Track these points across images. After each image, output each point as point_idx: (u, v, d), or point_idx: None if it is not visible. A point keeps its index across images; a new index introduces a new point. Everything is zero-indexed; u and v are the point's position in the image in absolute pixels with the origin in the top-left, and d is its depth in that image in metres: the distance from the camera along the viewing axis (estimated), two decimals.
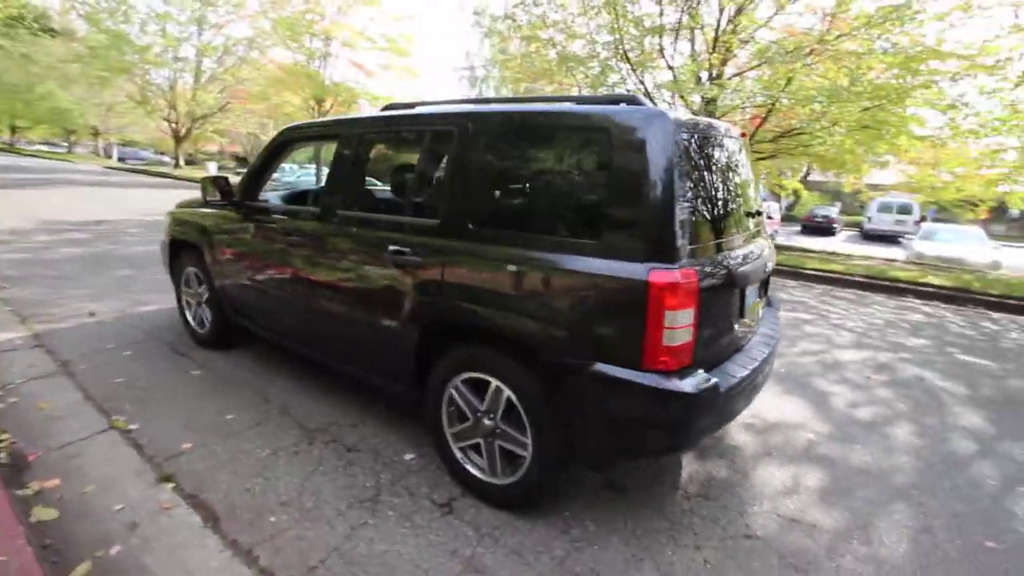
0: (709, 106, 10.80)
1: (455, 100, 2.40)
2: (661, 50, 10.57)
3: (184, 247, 3.77)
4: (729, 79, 11.30)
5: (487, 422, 2.15)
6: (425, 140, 2.35)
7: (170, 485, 2.25)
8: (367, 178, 2.76)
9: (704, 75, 10.96)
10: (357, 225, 2.52)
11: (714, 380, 1.78)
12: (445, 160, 2.18)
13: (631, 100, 1.93)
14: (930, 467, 2.74)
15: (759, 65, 11.31)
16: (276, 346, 3.61)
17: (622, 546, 2.03)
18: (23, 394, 2.96)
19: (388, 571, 1.85)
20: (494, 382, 2.07)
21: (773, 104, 10.45)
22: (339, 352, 2.71)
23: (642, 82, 11.07)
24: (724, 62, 10.91)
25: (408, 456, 2.56)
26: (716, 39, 10.64)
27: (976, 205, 10.55)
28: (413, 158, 2.56)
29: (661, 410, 1.72)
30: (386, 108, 2.68)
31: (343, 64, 23.00)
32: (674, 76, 10.36)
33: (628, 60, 10.71)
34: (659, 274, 1.66)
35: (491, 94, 36.49)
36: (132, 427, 2.68)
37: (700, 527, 2.16)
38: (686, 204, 1.74)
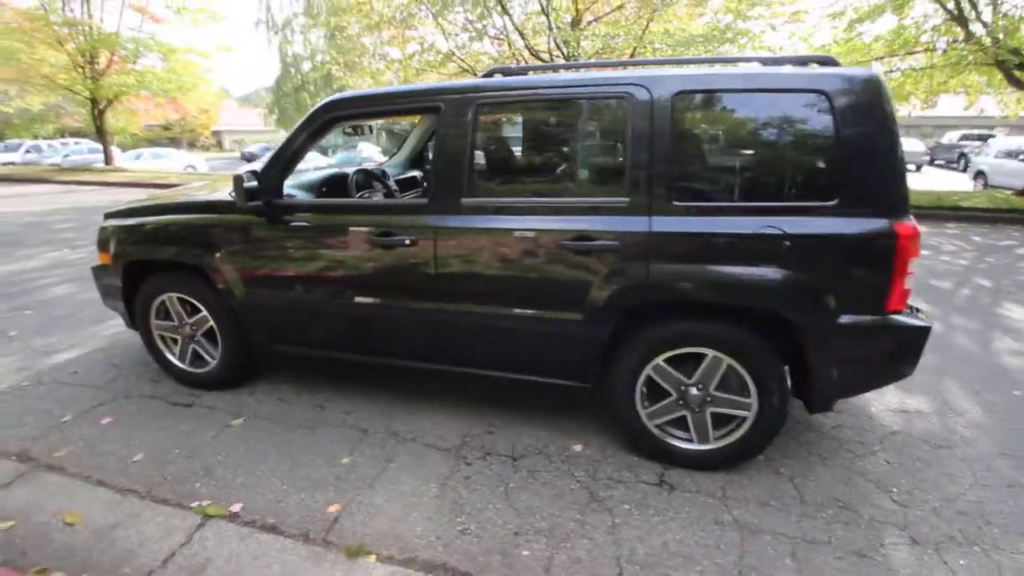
0: (569, 49, 11.15)
1: (592, 63, 2.18)
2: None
3: (156, 269, 2.87)
4: (588, 24, 11.81)
5: (696, 392, 2.17)
6: (584, 109, 2.10)
7: (371, 557, 1.85)
8: (491, 157, 2.37)
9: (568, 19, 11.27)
10: (496, 213, 2.20)
11: (919, 311, 2.05)
12: (627, 131, 2.00)
13: (825, 61, 1.98)
14: (940, 351, 3.50)
15: (609, 13, 12.03)
16: (313, 366, 3.06)
17: (826, 469, 2.28)
18: (12, 511, 2.08)
19: (686, 560, 1.83)
20: (711, 353, 2.09)
21: (634, 50, 11.24)
22: (482, 359, 2.41)
23: (516, 27, 10.96)
24: (587, 9, 11.32)
25: (577, 447, 2.46)
26: None
27: None
28: (558, 130, 2.26)
29: (906, 344, 1.95)
30: (488, 74, 2.30)
31: (116, 8, 18.16)
32: (549, 23, 10.46)
33: (501, 5, 10.49)
34: (903, 226, 1.83)
35: (299, 42, 32.28)
36: (235, 509, 2.09)
37: (858, 437, 2.52)
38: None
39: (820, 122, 1.88)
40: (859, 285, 1.90)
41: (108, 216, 3.04)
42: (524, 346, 2.31)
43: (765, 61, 2.13)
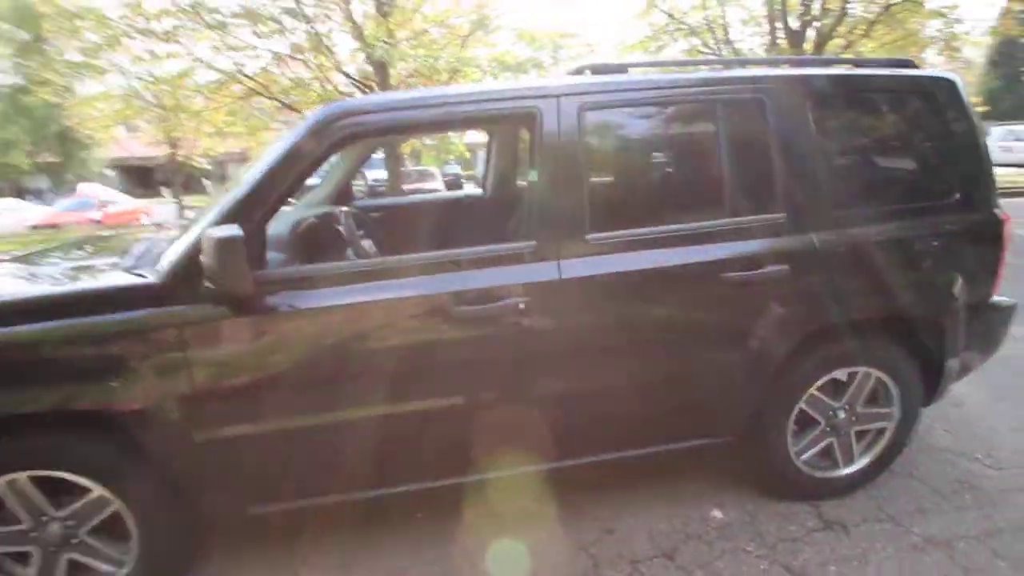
0: (395, 69, 10.54)
1: (685, 61, 1.83)
2: (349, 16, 9.68)
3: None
4: (398, 44, 11.31)
5: (843, 415, 2.00)
6: (716, 112, 1.68)
7: None
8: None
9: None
10: (628, 249, 1.68)
11: None
12: (768, 137, 1.69)
13: (908, 64, 2.00)
14: None
15: (412, 38, 11.78)
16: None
17: (924, 455, 2.33)
18: None
19: None
20: (862, 370, 1.94)
21: (453, 71, 11.12)
22: (613, 440, 1.82)
23: (324, 43, 9.84)
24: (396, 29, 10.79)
25: (716, 514, 2.06)
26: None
27: None
28: (688, 138, 1.79)
29: (1005, 322, 2.08)
30: (577, 72, 1.73)
31: None
32: (363, 39, 9.66)
33: (304, 17, 9.32)
34: (1004, 214, 1.96)
35: None
36: None
37: None
38: None
39: (935, 121, 1.90)
40: (981, 272, 1.97)
41: None
42: (671, 409, 1.83)
43: (856, 64, 2.09)
